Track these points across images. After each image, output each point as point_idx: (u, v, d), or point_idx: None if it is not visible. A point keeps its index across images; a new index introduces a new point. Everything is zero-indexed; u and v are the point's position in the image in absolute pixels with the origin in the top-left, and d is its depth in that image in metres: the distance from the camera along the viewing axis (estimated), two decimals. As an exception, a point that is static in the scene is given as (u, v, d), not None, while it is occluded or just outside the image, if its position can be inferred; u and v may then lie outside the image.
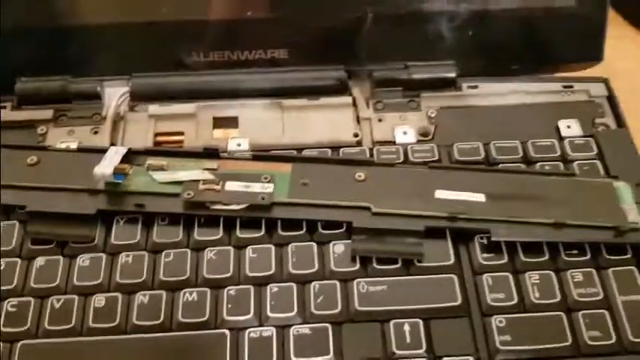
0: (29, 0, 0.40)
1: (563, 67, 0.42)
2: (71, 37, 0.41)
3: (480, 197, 0.35)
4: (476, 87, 0.41)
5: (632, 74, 0.47)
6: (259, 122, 0.41)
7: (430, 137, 0.40)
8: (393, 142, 0.39)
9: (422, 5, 0.40)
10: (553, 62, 0.42)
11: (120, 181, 0.36)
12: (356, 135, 0.40)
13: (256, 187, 0.36)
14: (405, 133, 0.40)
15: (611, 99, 0.41)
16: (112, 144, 0.40)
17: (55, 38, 0.41)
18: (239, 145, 0.39)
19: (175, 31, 0.41)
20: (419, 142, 0.39)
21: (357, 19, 0.41)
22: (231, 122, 0.41)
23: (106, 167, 0.35)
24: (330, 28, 0.41)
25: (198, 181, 0.36)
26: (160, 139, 0.40)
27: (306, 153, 0.39)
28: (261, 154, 0.37)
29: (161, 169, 0.37)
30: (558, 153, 0.38)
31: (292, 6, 0.41)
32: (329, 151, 0.39)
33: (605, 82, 0.42)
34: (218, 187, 0.35)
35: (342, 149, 0.39)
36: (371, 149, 0.39)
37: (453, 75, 0.41)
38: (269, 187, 0.35)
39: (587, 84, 0.41)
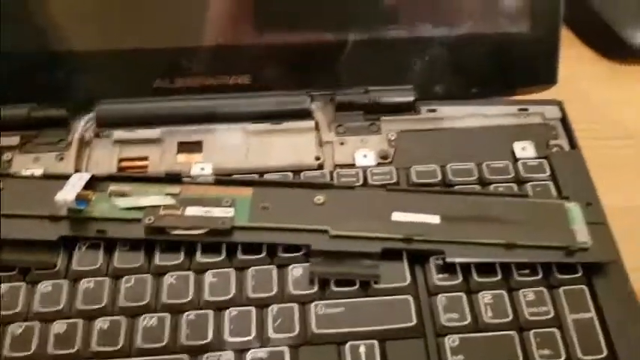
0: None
1: (520, 90, 0.44)
2: (37, 64, 0.42)
3: (436, 219, 0.36)
4: (434, 110, 0.43)
5: (587, 95, 0.49)
6: (223, 147, 0.42)
7: (390, 160, 0.41)
8: (354, 165, 0.40)
9: (381, 32, 0.42)
10: (510, 86, 0.43)
11: (82, 208, 0.36)
12: (317, 158, 0.41)
13: (217, 212, 0.36)
14: (365, 156, 0.41)
15: (565, 121, 0.42)
16: (77, 170, 0.40)
17: (22, 65, 0.42)
18: (202, 169, 0.40)
19: (141, 59, 0.42)
20: (378, 164, 0.40)
21: (319, 46, 0.42)
22: (195, 147, 0.42)
23: (68, 194, 0.36)
24: (292, 54, 0.42)
25: (159, 206, 0.36)
26: (124, 164, 0.41)
27: (267, 177, 0.39)
28: (222, 179, 0.38)
29: (123, 195, 0.37)
30: (512, 174, 0.39)
31: (254, 33, 0.42)
32: (290, 174, 0.40)
33: (559, 104, 0.43)
34: (178, 212, 0.36)
35: (303, 173, 0.40)
36: (331, 172, 0.40)
37: (411, 99, 0.42)
38: (229, 212, 0.36)
39: (541, 107, 0.43)
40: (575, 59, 0.50)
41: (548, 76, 0.43)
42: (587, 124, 0.46)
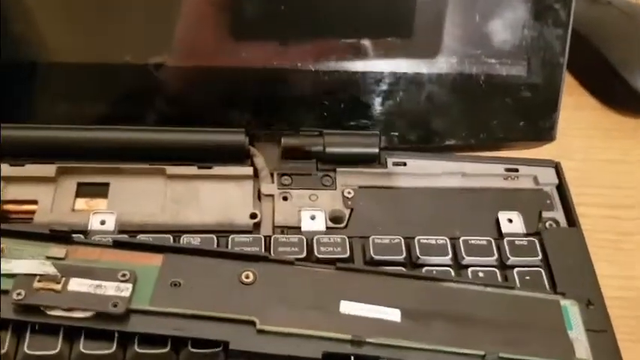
0: None
1: (508, 145, 0.36)
2: None
3: (395, 314, 0.28)
4: (403, 164, 0.35)
5: (585, 151, 0.41)
6: (135, 192, 0.33)
7: (344, 225, 0.33)
8: (298, 229, 0.32)
9: (343, 63, 0.33)
10: (496, 139, 0.35)
11: None
12: (253, 216, 0.32)
13: (110, 288, 0.27)
14: (313, 217, 0.32)
15: (562, 189, 0.34)
16: (-55, 211, 0.32)
17: None
18: (103, 223, 0.31)
19: (37, 73, 0.33)
20: (329, 230, 0.32)
21: (264, 73, 0.34)
22: (99, 190, 0.33)
23: None
24: (229, 81, 0.34)
25: (34, 275, 0.28)
26: (8, 207, 0.32)
27: (184, 239, 0.31)
28: (124, 241, 0.29)
29: (-8, 255, 0.28)
30: (495, 256, 0.31)
31: (185, 52, 0.33)
32: (215, 238, 0.31)
33: (556, 167, 0.35)
34: (58, 287, 0.27)
35: (232, 236, 0.31)
36: (268, 237, 0.31)
37: (375, 150, 0.34)
38: (126, 290, 0.27)
39: (534, 168, 0.35)
40: (572, 107, 0.42)
41: (545, 133, 0.35)
42: (582, 188, 0.38)
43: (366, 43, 0.33)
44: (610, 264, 0.36)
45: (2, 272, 0.28)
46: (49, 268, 0.28)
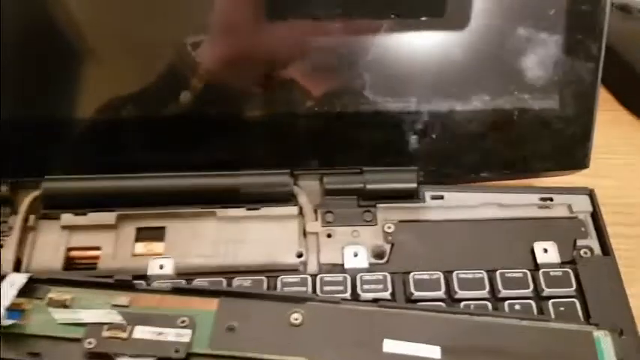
0: None
1: (542, 174, 0.37)
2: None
3: (435, 352, 0.30)
4: (441, 197, 0.36)
5: (624, 170, 0.42)
6: (189, 235, 0.35)
7: (385, 260, 0.34)
8: (342, 267, 0.34)
9: (381, 104, 0.35)
10: (531, 170, 0.36)
11: (14, 321, 0.30)
12: (300, 255, 0.34)
13: (170, 335, 0.30)
14: (355, 254, 0.34)
15: (596, 216, 0.35)
16: (18, 259, 0.35)
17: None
18: (161, 267, 0.34)
19: (95, 129, 0.35)
20: (371, 266, 0.34)
21: (305, 117, 0.35)
22: (156, 234, 0.35)
23: (-6, 308, 0.30)
24: (273, 126, 0.36)
25: (103, 324, 0.30)
26: (73, 254, 0.35)
27: (236, 282, 0.33)
28: (182, 287, 0.32)
29: (63, 305, 0.31)
30: (531, 288, 0.33)
31: (229, 100, 0.35)
32: (265, 279, 0.33)
33: (590, 194, 0.36)
34: (125, 335, 0.30)
35: (281, 277, 0.33)
36: (314, 277, 0.33)
37: (413, 185, 0.35)
38: (185, 335, 0.30)
39: (569, 196, 0.36)
40: (609, 123, 0.43)
41: (578, 161, 0.36)
42: (621, 207, 0.39)
43: (402, 84, 0.35)
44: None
45: (74, 322, 0.31)
46: (117, 317, 0.31)
